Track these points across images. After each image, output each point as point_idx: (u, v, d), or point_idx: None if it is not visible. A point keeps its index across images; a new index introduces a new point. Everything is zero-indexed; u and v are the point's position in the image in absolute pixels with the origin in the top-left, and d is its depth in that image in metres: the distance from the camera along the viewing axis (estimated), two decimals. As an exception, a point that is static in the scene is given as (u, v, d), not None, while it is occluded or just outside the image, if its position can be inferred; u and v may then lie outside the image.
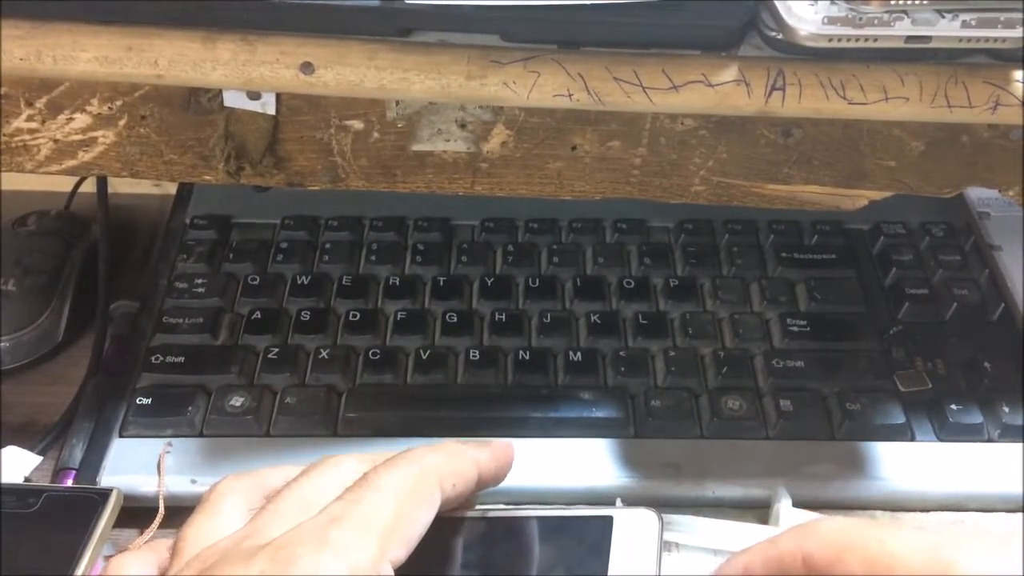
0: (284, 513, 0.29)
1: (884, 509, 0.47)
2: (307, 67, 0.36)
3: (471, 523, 0.33)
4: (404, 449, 0.32)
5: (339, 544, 0.27)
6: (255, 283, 0.57)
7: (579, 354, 0.52)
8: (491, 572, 0.31)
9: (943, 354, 0.53)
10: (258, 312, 0.55)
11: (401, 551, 0.28)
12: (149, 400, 0.50)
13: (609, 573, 0.29)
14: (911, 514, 0.47)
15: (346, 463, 0.32)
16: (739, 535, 0.40)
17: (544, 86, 0.36)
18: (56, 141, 0.41)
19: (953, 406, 0.50)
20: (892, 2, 0.33)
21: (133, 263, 0.63)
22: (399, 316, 0.55)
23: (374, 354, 0.52)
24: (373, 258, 0.59)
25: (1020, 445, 0.48)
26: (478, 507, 0.35)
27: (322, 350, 0.52)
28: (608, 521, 0.31)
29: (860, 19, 0.33)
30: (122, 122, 0.41)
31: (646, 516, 0.30)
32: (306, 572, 0.26)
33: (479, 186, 0.43)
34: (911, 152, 0.41)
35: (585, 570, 0.30)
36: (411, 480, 0.29)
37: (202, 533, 0.30)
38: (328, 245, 0.59)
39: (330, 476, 0.31)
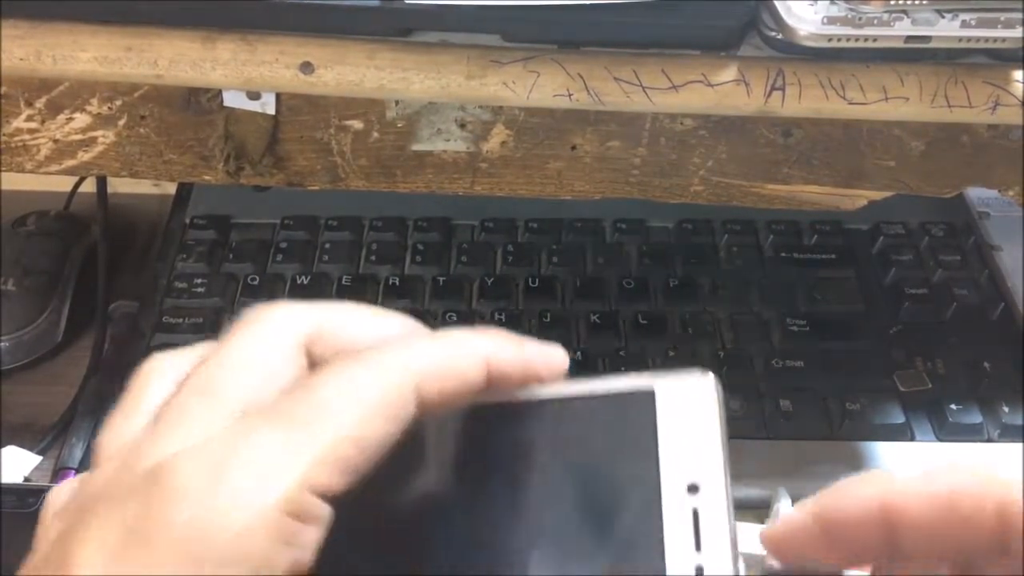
0: (188, 413, 0.22)
1: (884, 509, 0.47)
2: (307, 67, 0.36)
3: (467, 418, 0.25)
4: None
5: (242, 475, 0.20)
6: (255, 283, 0.57)
7: (579, 354, 0.52)
8: (494, 477, 0.24)
9: (943, 354, 0.53)
10: (258, 312, 0.55)
11: (337, 478, 0.20)
12: (149, 400, 0.50)
13: (660, 463, 0.22)
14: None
15: (285, 325, 0.23)
16: (738, 535, 0.40)
17: (544, 86, 0.36)
18: (56, 141, 0.41)
19: (953, 406, 0.50)
20: (892, 2, 0.33)
21: (133, 263, 0.63)
22: (399, 316, 0.55)
23: (374, 354, 0.52)
24: (373, 258, 0.59)
25: (1020, 445, 0.48)
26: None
27: (322, 350, 0.52)
28: (648, 398, 0.23)
29: (860, 19, 0.33)
30: (122, 122, 0.41)
31: (700, 384, 0.23)
32: (189, 516, 0.19)
33: (479, 186, 0.43)
34: (911, 152, 0.41)
35: (628, 460, 0.23)
36: (372, 389, 0.21)
37: (116, 436, 0.23)
38: (328, 245, 0.59)
39: (261, 351, 0.23)
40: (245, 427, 0.21)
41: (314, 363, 0.23)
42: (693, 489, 0.21)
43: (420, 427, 0.23)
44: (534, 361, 0.25)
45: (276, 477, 0.20)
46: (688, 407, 0.22)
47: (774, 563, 0.24)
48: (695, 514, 0.21)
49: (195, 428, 0.21)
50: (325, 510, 0.20)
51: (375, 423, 0.21)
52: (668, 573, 0.20)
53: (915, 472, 0.22)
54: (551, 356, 0.25)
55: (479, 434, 0.25)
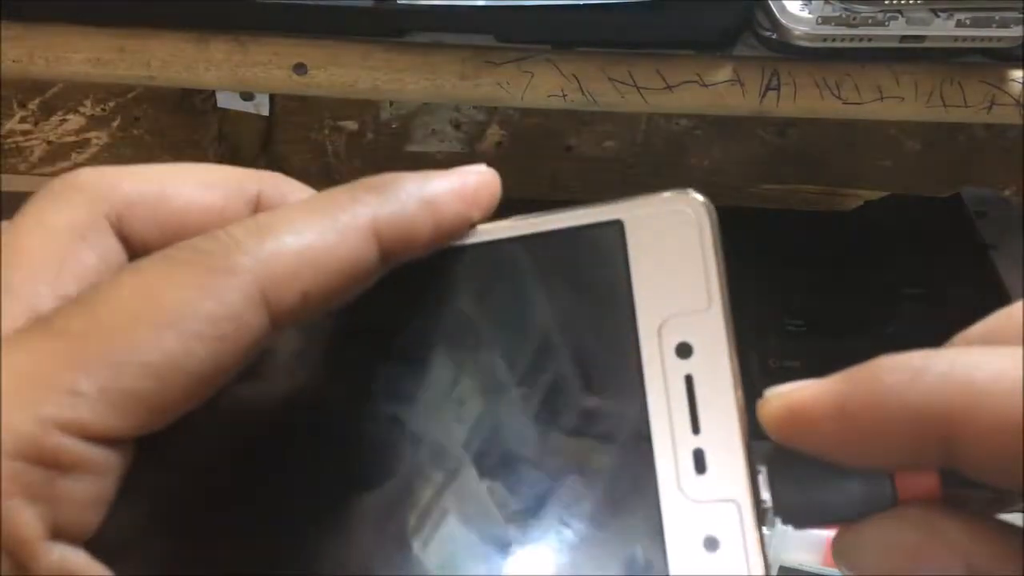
0: None
1: (881, 509, 0.47)
2: (300, 68, 0.36)
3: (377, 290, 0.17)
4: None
5: None
6: (250, 284, 0.57)
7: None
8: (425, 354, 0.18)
9: (939, 354, 0.53)
10: (253, 313, 0.55)
11: (113, 416, 0.15)
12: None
13: (637, 320, 0.16)
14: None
15: (90, 199, 0.18)
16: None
17: (538, 86, 0.36)
18: (49, 142, 0.41)
19: (950, 406, 0.49)
20: (886, 2, 0.33)
21: (128, 264, 0.62)
22: (395, 317, 0.55)
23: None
24: (369, 259, 0.58)
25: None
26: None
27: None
28: (616, 230, 0.17)
29: (854, 19, 0.33)
30: (115, 123, 0.40)
31: (683, 209, 0.17)
32: None
33: (474, 187, 0.43)
34: (907, 152, 0.41)
35: (592, 320, 0.17)
36: (183, 295, 0.15)
37: None
38: (324, 246, 0.59)
39: (59, 236, 0.17)
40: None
41: (131, 245, 0.18)
42: (684, 351, 0.16)
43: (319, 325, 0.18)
44: (444, 205, 0.18)
45: (8, 414, 0.15)
46: (669, 242, 0.17)
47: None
48: (688, 382, 0.16)
49: None
50: (104, 455, 0.15)
51: (190, 346, 0.15)
52: (657, 463, 0.15)
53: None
54: (467, 187, 0.19)
55: (407, 296, 0.18)
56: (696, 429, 0.16)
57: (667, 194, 0.17)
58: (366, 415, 0.17)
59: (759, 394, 0.54)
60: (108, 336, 0.15)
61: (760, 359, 0.52)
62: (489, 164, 0.38)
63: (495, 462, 0.17)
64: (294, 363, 0.18)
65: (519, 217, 0.18)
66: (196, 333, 0.15)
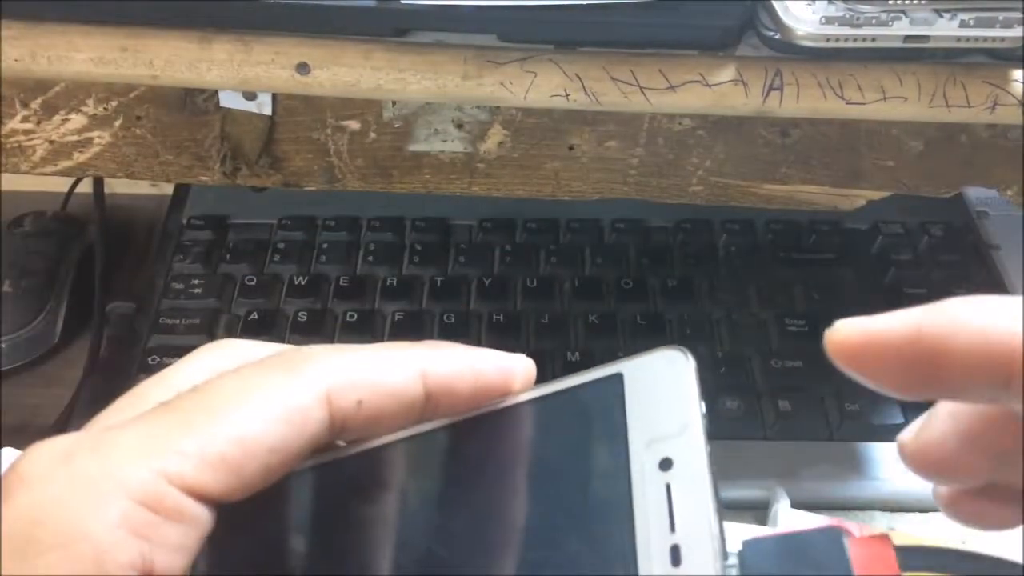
0: (119, 408, 0.22)
1: (883, 510, 0.47)
2: (303, 67, 0.36)
3: (429, 437, 0.23)
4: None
5: (90, 460, 0.19)
6: (252, 284, 0.57)
7: (577, 355, 0.52)
8: (456, 491, 0.22)
9: (942, 354, 0.53)
10: (255, 313, 0.55)
11: (212, 477, 0.19)
12: (146, 401, 0.50)
13: (630, 444, 0.20)
14: (910, 515, 0.47)
15: (236, 347, 0.23)
16: (736, 537, 0.40)
17: (541, 86, 0.36)
18: (51, 142, 0.41)
19: (952, 406, 0.49)
20: (890, 2, 0.33)
21: (130, 264, 0.62)
22: (397, 317, 0.55)
23: (371, 355, 0.52)
24: (371, 258, 0.58)
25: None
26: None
27: (319, 351, 0.52)
28: (616, 381, 0.22)
29: (858, 19, 0.33)
30: (117, 123, 0.40)
31: (669, 359, 0.21)
32: (29, 500, 0.18)
33: (476, 187, 0.43)
34: (909, 152, 0.41)
35: (597, 448, 0.21)
36: (268, 389, 0.20)
37: None
38: (325, 245, 0.59)
39: (196, 366, 0.23)
40: (127, 421, 0.20)
41: None
42: (666, 465, 0.19)
43: (373, 451, 0.23)
44: (486, 372, 0.23)
45: (129, 464, 0.18)
46: (658, 384, 0.21)
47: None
48: (668, 490, 0.19)
49: (120, 415, 0.21)
50: (197, 510, 0.19)
51: (268, 425, 0.20)
52: (639, 557, 0.18)
53: None
54: (509, 365, 0.23)
55: (442, 450, 0.23)
56: (673, 528, 0.18)
57: (657, 351, 0.21)
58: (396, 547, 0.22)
59: (760, 394, 0.53)
60: (209, 412, 0.19)
61: (761, 359, 0.52)
62: (492, 164, 0.39)
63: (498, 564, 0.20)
64: (331, 505, 0.23)
65: (545, 383, 0.23)
66: (273, 417, 0.20)
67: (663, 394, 0.20)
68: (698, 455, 0.19)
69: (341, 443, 0.24)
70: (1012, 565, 0.21)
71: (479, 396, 0.23)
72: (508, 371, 0.23)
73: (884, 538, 0.19)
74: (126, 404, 0.22)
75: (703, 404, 0.20)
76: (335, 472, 0.23)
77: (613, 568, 0.19)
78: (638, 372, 0.21)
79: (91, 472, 0.18)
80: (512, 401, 0.23)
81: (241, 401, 0.20)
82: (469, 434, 0.23)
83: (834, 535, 0.19)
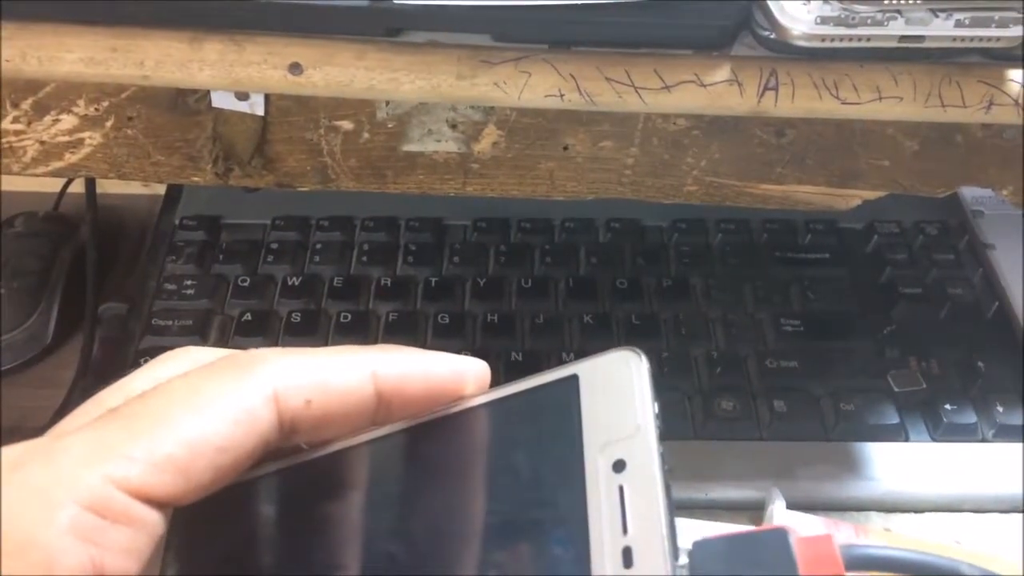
0: (76, 415, 0.23)
1: (878, 510, 0.47)
2: (295, 67, 0.36)
3: (383, 440, 0.24)
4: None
5: (40, 466, 0.19)
6: (245, 284, 0.57)
7: (572, 355, 0.52)
8: (409, 493, 0.23)
9: (937, 354, 0.53)
10: (248, 314, 0.55)
11: (159, 479, 0.19)
12: (138, 403, 0.49)
13: (584, 446, 0.21)
14: (905, 515, 0.47)
15: (191, 354, 0.24)
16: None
17: (535, 86, 0.36)
18: (42, 143, 0.40)
19: (947, 406, 0.49)
20: (886, 1, 0.33)
21: (122, 264, 0.62)
22: (391, 318, 0.54)
23: (366, 356, 0.52)
24: (364, 259, 0.58)
25: (1014, 445, 0.48)
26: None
27: (313, 352, 0.52)
28: (572, 382, 0.22)
29: (853, 19, 0.33)
30: (109, 123, 0.40)
31: (623, 360, 0.21)
32: (3, 503, 0.18)
33: (470, 187, 0.42)
34: (905, 152, 0.41)
35: (552, 450, 0.21)
36: (215, 391, 0.21)
37: None
38: (319, 245, 0.59)
39: (152, 374, 0.23)
40: (77, 427, 0.20)
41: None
42: (619, 466, 0.20)
43: (332, 455, 0.23)
44: (437, 374, 0.23)
45: (78, 470, 0.19)
46: (613, 386, 0.21)
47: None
48: (621, 492, 0.19)
49: (79, 421, 0.21)
50: (146, 513, 0.19)
51: (215, 426, 0.20)
52: (593, 559, 0.19)
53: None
54: (461, 367, 0.23)
55: (399, 454, 0.23)
56: (625, 530, 0.19)
57: (612, 352, 0.22)
58: (361, 543, 0.22)
59: (756, 394, 0.53)
60: (156, 416, 0.20)
61: (757, 359, 0.52)
62: (486, 164, 0.39)
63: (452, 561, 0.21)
64: (295, 506, 0.24)
65: (502, 385, 0.23)
66: (220, 417, 0.20)
67: (617, 395, 0.21)
68: (650, 457, 0.19)
69: (304, 446, 0.24)
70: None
71: (432, 397, 0.23)
72: (460, 373, 0.23)
73: (828, 538, 0.20)
74: (83, 412, 0.22)
75: (656, 405, 0.20)
76: (296, 476, 0.23)
77: (567, 569, 0.19)
78: (593, 373, 0.22)
79: (40, 480, 0.19)
80: (469, 404, 0.23)
81: (188, 404, 0.20)
82: (426, 437, 0.23)
83: (780, 536, 0.20)
